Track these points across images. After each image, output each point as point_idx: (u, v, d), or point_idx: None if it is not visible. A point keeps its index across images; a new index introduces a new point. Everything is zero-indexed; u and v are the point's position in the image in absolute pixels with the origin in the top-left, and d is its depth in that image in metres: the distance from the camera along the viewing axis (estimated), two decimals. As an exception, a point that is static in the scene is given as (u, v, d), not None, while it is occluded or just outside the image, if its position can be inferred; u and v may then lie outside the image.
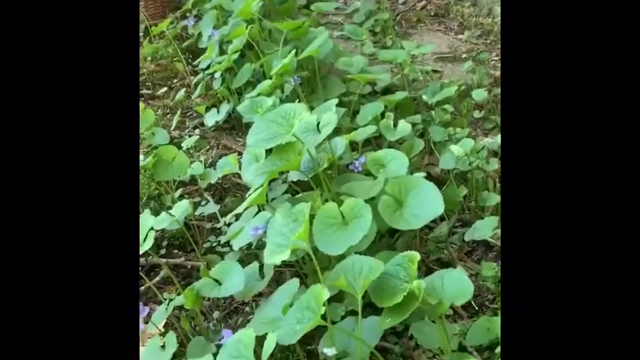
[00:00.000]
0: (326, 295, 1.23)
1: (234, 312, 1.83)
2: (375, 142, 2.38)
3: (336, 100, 1.96)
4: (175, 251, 2.08)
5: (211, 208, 2.16)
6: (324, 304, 1.22)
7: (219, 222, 2.12)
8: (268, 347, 1.16)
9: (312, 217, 1.54)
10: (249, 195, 1.68)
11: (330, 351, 1.29)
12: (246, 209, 1.75)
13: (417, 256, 1.30)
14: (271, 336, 1.18)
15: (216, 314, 1.79)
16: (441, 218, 2.08)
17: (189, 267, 1.98)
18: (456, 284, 1.29)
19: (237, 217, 1.95)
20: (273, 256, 1.35)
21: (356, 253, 1.43)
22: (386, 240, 1.89)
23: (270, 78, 2.36)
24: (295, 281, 1.51)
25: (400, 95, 2.57)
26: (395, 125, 2.23)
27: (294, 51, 2.35)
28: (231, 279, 1.55)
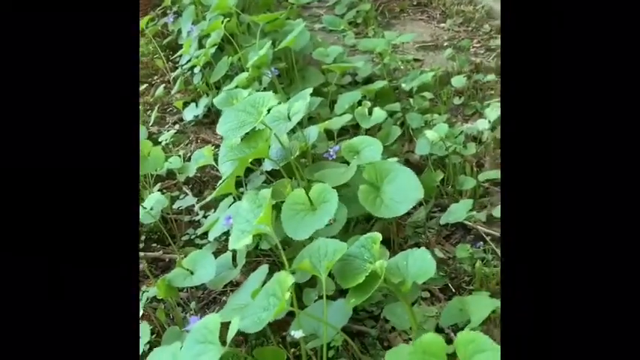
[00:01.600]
0: (290, 281, 1.22)
1: (212, 302, 1.84)
2: (353, 131, 2.38)
3: (310, 89, 1.95)
4: (154, 245, 2.09)
5: (189, 201, 2.16)
6: (289, 290, 1.22)
7: (197, 215, 2.12)
8: (231, 331, 1.16)
9: (282, 204, 1.54)
10: (219, 184, 1.69)
11: (297, 333, 1.29)
12: (217, 199, 1.75)
13: (379, 236, 1.30)
14: (235, 320, 1.18)
15: (193, 305, 1.79)
16: (419, 203, 2.09)
17: (167, 260, 1.98)
18: (419, 263, 1.29)
19: (216, 208, 1.95)
20: (238, 242, 1.36)
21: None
22: (361, 226, 1.90)
23: (247, 70, 2.36)
24: (265, 267, 1.51)
25: (379, 84, 2.57)
26: (370, 113, 2.24)
27: (269, 42, 2.34)
28: (203, 268, 1.56)
